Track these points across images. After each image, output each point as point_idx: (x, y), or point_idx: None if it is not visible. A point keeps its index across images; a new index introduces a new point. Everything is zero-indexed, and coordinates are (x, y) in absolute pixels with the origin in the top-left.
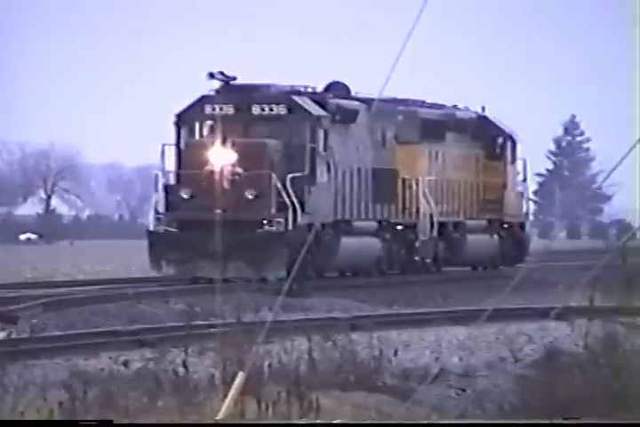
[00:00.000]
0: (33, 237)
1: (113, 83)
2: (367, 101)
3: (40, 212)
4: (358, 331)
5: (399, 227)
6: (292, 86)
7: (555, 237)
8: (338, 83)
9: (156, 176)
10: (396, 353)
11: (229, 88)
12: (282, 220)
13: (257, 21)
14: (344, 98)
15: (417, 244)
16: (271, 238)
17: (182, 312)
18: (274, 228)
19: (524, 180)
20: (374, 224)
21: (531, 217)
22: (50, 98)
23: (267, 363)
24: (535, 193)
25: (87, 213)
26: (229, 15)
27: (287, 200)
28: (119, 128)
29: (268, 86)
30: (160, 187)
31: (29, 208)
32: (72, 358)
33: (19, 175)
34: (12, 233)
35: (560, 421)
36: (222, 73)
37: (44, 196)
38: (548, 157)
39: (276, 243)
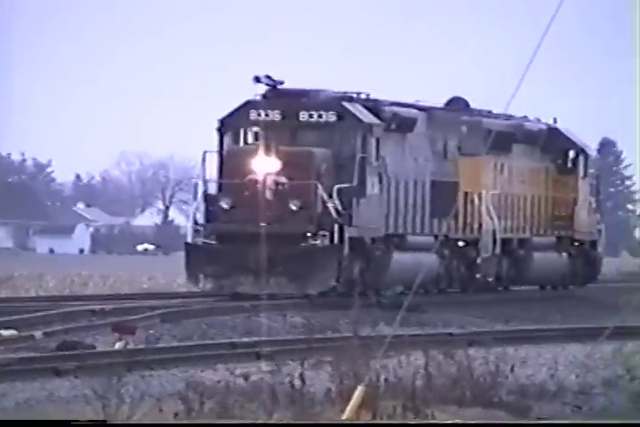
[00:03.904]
0: (150, 247)
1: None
2: (428, 110)
3: (158, 222)
4: (475, 347)
5: (460, 243)
6: (345, 92)
7: None
8: (458, 98)
9: (196, 185)
10: (512, 369)
11: (276, 93)
12: (327, 233)
13: (306, 25)
14: (408, 106)
15: (478, 261)
16: (315, 253)
17: (299, 325)
18: (318, 242)
19: (597, 195)
20: (431, 239)
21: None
22: (167, 112)
23: (383, 377)
24: None
25: None
26: (279, 17)
27: (333, 213)
28: None
29: (317, 92)
30: (199, 196)
31: (147, 219)
32: (188, 370)
33: (137, 186)
34: (129, 243)
35: (560, 421)
36: (269, 77)
37: (161, 206)
38: None
39: (320, 258)
